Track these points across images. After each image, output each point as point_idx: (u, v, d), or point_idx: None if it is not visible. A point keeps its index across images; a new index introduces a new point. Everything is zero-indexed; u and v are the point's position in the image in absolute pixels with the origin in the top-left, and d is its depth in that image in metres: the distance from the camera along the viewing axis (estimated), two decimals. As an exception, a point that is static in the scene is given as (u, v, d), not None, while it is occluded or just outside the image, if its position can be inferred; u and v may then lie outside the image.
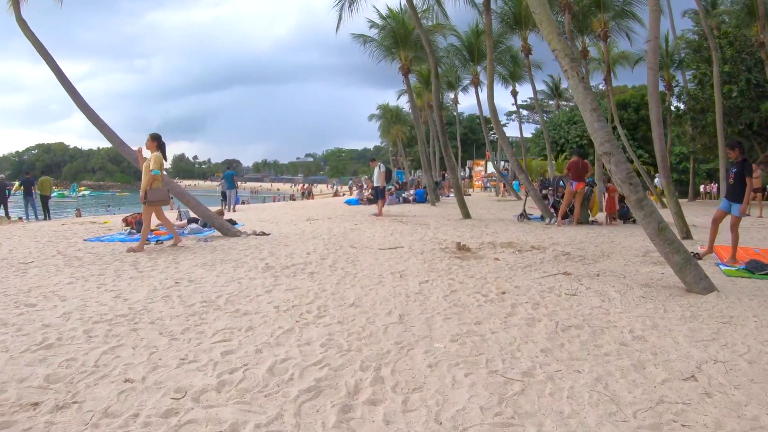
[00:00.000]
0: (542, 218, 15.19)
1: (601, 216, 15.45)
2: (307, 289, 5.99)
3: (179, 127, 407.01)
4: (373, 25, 24.58)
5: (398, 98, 42.50)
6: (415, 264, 7.77)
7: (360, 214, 17.71)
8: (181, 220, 13.47)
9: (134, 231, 11.78)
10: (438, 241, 10.46)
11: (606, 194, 15.77)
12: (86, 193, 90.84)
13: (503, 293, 5.92)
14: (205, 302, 5.42)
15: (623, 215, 15.12)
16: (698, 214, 18.85)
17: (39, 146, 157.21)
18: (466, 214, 15.51)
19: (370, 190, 26.23)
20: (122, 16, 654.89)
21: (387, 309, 5.18)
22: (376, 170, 16.97)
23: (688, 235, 11.43)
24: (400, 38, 23.42)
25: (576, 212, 13.93)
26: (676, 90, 33.00)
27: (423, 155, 22.81)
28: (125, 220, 12.99)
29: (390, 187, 29.05)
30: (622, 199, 15.19)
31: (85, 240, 10.40)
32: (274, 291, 5.91)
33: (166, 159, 9.37)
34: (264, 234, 11.44)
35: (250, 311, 5.07)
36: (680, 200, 30.50)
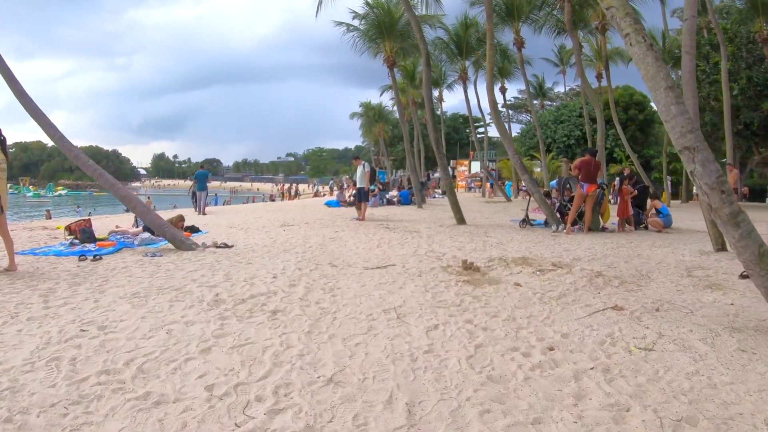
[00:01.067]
0: (546, 224, 13.40)
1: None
2: (264, 346, 4.04)
3: (160, 126, 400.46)
4: (355, 15, 22.64)
5: (381, 94, 40.50)
6: (414, 293, 5.86)
7: (341, 218, 15.77)
8: (136, 227, 11.47)
9: (77, 241, 9.78)
10: (436, 255, 8.57)
11: (610, 197, 14.06)
12: (63, 192, 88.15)
13: (551, 350, 4.04)
14: (105, 373, 3.47)
15: (636, 221, 13.42)
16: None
17: (17, 145, 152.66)
18: (461, 219, 13.65)
19: (351, 191, 24.33)
20: (103, 12, 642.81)
21: (385, 390, 3.26)
22: (359, 169, 15.13)
23: (723, 247, 9.71)
24: (385, 28, 21.49)
25: (587, 218, 12.16)
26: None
27: (408, 153, 20.96)
28: (68, 228, 10.93)
29: (374, 188, 27.16)
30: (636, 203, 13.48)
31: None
32: (214, 349, 3.95)
33: (7, 156, 6.97)
34: (226, 246, 9.45)
35: (166, 397, 3.12)
36: (672, 201, 28.98)
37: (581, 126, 41.47)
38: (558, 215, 13.05)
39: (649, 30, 27.80)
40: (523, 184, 29.17)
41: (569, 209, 13.03)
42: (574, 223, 12.40)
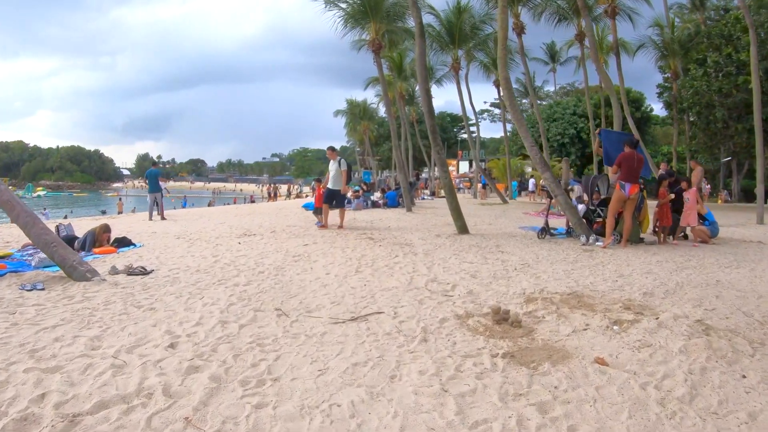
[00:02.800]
0: (568, 233, 10.64)
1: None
2: None
3: (145, 126, 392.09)
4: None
5: (366, 87, 37.14)
6: (420, 395, 2.99)
7: (314, 229, 12.87)
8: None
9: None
10: (442, 288, 5.73)
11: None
12: (42, 193, 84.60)
13: None
14: None
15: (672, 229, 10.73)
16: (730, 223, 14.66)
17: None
18: (463, 227, 10.81)
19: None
20: (86, 11, 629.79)
21: None
22: (333, 166, 12.01)
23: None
24: (370, 8, 18.59)
25: (626, 227, 9.39)
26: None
27: (396, 149, 18.14)
28: None
29: (357, 188, 24.24)
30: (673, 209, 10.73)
31: None
32: None
33: None
34: (143, 272, 6.53)
35: None
36: None
37: (575, 124, 39.00)
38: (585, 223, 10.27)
39: (656, 19, 25.34)
40: (542, 183, 26.49)
41: (598, 215, 10.27)
42: (603, 233, 9.66)
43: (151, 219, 14.94)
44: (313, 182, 49.13)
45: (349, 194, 23.79)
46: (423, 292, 5.50)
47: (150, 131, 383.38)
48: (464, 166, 53.73)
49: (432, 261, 7.52)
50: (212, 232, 11.65)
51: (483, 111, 65.14)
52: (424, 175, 45.65)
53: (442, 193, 39.94)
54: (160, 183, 16.08)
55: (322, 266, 7.09)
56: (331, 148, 12.32)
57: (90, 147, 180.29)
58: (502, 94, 9.98)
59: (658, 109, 39.94)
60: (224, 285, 5.85)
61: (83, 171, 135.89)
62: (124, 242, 9.63)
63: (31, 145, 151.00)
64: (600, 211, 10.21)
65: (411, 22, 19.99)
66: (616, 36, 20.37)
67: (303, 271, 6.75)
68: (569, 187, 24.28)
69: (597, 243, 9.53)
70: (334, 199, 11.96)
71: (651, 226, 10.76)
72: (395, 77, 30.87)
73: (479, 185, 31.47)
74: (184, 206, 39.40)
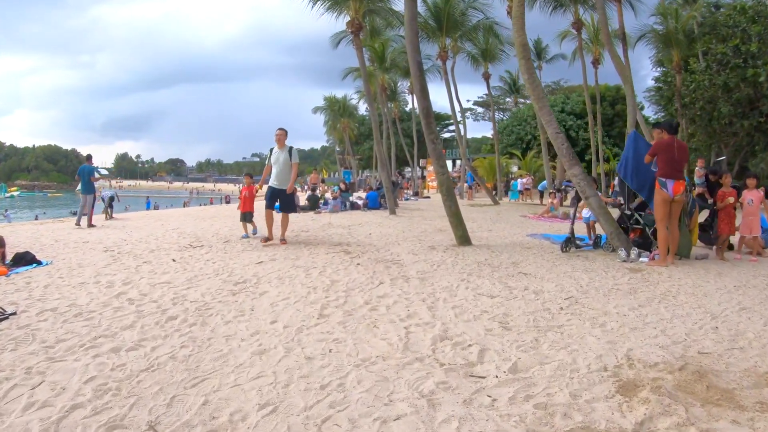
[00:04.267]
0: (596, 245, 8.37)
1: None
2: None
3: (125, 126, 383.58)
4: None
5: (345, 77, 33.90)
6: None
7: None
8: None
9: None
10: (463, 359, 3.35)
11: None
12: (16, 193, 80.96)
13: None
14: None
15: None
16: None
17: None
18: (464, 238, 8.41)
19: (313, 193, 18.97)
20: (66, 9, 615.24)
21: None
22: (281, 157, 8.69)
23: None
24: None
25: (674, 238, 7.11)
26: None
27: (378, 144, 15.80)
28: None
29: (336, 189, 21.82)
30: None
31: None
32: None
33: None
34: (1, 315, 4.11)
35: None
36: None
37: (564, 122, 37.04)
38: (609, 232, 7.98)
39: (660, 5, 23.28)
40: (553, 182, 24.24)
41: (636, 222, 8.01)
42: (642, 245, 7.43)
43: (78, 224, 12.26)
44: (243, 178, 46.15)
45: (328, 194, 21.42)
46: (430, 370, 3.12)
47: (129, 131, 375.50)
48: (448, 166, 51.49)
49: (433, 293, 5.15)
50: (154, 242, 9.19)
51: (466, 110, 62.63)
52: (408, 174, 43.30)
53: (426, 193, 37.60)
54: (102, 182, 13.44)
55: (269, 305, 4.67)
56: (283, 130, 8.87)
57: (68, 146, 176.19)
58: (519, 65, 7.53)
59: (647, 106, 38.01)
60: (95, 350, 3.43)
61: (60, 171, 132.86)
62: (25, 259, 7.17)
63: (8, 144, 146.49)
64: (638, 217, 7.95)
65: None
66: (623, 21, 18.22)
67: (238, 315, 4.33)
68: (561, 187, 22.25)
69: (641, 258, 7.26)
70: (277, 201, 8.92)
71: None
72: (377, 69, 28.36)
73: (465, 185, 29.10)
74: (147, 208, 36.56)
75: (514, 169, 38.38)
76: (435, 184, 49.18)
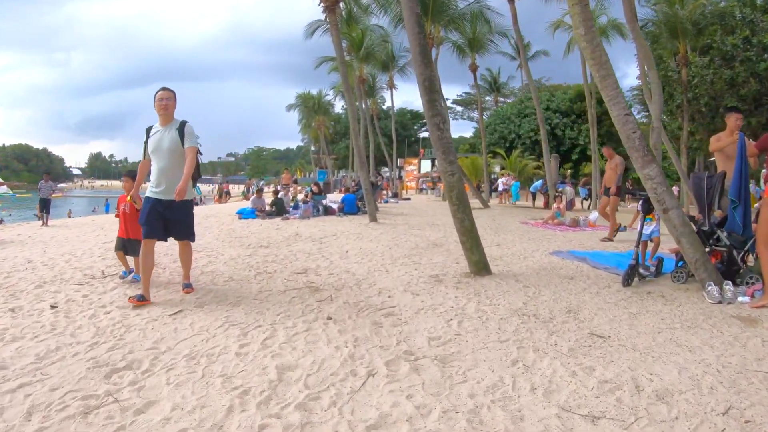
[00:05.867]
0: (658, 272, 5.95)
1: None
2: None
3: (100, 125, 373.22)
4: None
5: (318, 66, 29.82)
6: None
7: (234, 247, 7.78)
8: None
9: None
10: None
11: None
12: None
13: None
14: None
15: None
16: None
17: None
18: (481, 265, 5.79)
19: (297, 195, 16.26)
20: (40, 5, 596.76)
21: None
22: (167, 138, 4.75)
23: None
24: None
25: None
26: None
27: (355, 139, 13.26)
28: None
29: (309, 189, 19.18)
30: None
31: None
32: None
33: None
34: None
35: None
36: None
37: (549, 119, 34.97)
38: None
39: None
40: (554, 183, 21.49)
41: (717, 242, 5.62)
42: (724, 274, 5.07)
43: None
44: (261, 183, 42.46)
45: (300, 197, 18.73)
46: None
47: (105, 130, 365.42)
48: (426, 165, 48.93)
49: (470, 402, 2.64)
50: (64, 264, 6.63)
51: (449, 107, 60.34)
52: (386, 174, 40.72)
53: (405, 194, 34.94)
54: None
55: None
56: (168, 91, 4.92)
57: (41, 146, 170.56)
58: (571, 15, 4.86)
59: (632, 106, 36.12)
60: None
61: (30, 170, 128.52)
62: None
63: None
64: (720, 235, 5.56)
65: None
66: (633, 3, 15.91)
67: None
68: (558, 191, 19.89)
69: (740, 298, 4.87)
70: (165, 222, 4.77)
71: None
72: (354, 59, 25.61)
73: (442, 186, 26.49)
74: (106, 211, 33.32)
75: (497, 169, 36.15)
76: (411, 185, 46.78)
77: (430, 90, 5.54)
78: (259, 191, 15.44)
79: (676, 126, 24.81)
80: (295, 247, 8.40)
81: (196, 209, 21.90)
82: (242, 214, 14.61)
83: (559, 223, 12.92)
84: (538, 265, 6.76)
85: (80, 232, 10.93)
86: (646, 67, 12.60)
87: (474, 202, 22.65)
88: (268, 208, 14.37)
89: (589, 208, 20.56)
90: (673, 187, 31.94)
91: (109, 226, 12.29)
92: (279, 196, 15.19)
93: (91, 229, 11.95)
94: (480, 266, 5.65)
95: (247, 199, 21.62)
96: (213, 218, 14.38)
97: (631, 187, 15.92)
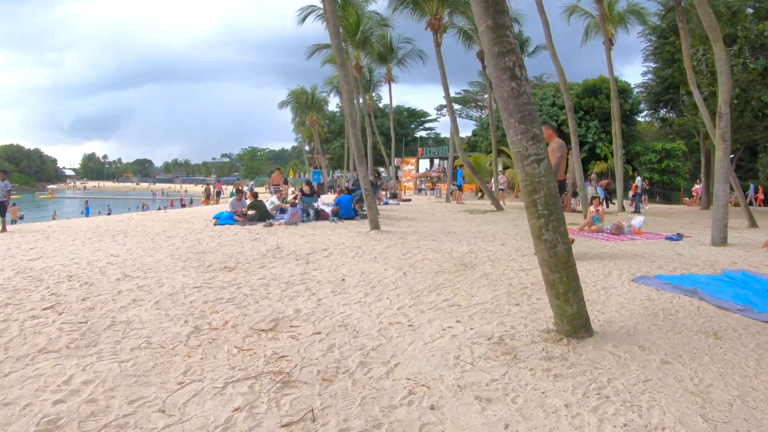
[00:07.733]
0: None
1: None
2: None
3: (93, 126, 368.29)
4: None
5: (310, 55, 26.80)
6: None
7: (181, 278, 5.36)
8: None
9: None
10: None
11: None
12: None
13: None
14: None
15: None
16: None
17: None
18: (579, 320, 3.27)
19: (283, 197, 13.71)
20: (33, 5, 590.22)
21: None
22: None
23: None
24: None
25: None
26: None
27: (349, 122, 10.89)
28: None
29: (300, 189, 16.73)
30: None
31: None
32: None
33: None
34: None
35: None
36: (674, 206, 20.05)
37: (556, 117, 32.67)
38: None
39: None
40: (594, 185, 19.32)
41: None
42: None
43: None
44: (250, 183, 39.79)
45: (290, 198, 16.32)
46: None
47: (98, 131, 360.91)
48: (425, 164, 46.39)
49: None
50: None
51: (442, 107, 57.55)
52: (383, 174, 38.21)
53: (403, 195, 32.30)
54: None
55: None
56: None
57: (32, 146, 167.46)
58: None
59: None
60: None
61: (22, 171, 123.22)
62: None
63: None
64: None
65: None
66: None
67: None
68: (588, 192, 17.52)
69: None
70: None
71: None
72: (350, 45, 22.99)
73: (453, 186, 23.90)
74: (86, 214, 30.78)
75: (500, 167, 33.70)
76: (409, 185, 44.13)
77: (495, 8, 3.07)
78: (239, 192, 12.92)
79: (699, 121, 22.49)
80: (271, 270, 5.97)
81: (171, 212, 19.20)
82: (219, 218, 12.14)
83: (597, 229, 10.55)
84: (640, 306, 4.34)
85: (44, 244, 8.31)
86: (711, 40, 10.17)
87: (482, 204, 20.34)
88: (250, 212, 11.91)
89: (624, 210, 18.19)
90: (696, 186, 29.74)
91: (82, 236, 9.70)
92: (258, 199, 12.77)
93: (67, 235, 9.38)
94: (578, 324, 3.22)
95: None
96: (184, 224, 11.87)
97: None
